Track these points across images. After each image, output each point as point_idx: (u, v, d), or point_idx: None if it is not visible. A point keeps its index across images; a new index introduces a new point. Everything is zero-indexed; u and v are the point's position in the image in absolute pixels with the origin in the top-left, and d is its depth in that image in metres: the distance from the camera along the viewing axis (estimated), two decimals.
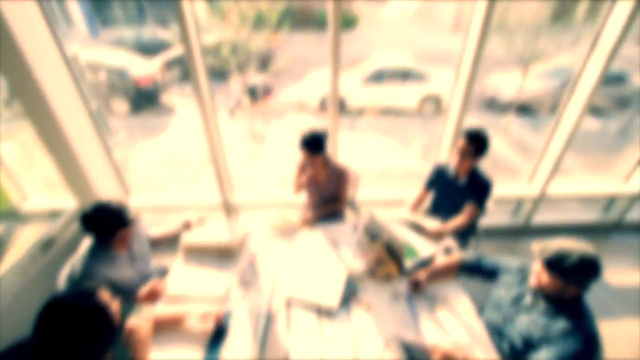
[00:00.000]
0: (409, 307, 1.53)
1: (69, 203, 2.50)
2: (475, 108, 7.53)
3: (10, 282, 1.92)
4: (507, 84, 7.23)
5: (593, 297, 1.69)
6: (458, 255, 1.70)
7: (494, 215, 3.22)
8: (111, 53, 7.64)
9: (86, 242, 1.62)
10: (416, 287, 1.58)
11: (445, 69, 7.18)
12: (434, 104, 7.14)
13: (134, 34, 10.51)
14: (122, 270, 1.59)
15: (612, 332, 2.26)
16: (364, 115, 7.10)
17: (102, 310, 0.91)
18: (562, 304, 1.25)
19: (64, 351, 0.83)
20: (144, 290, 1.56)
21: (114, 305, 0.97)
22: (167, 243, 1.99)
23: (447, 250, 1.85)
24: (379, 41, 13.29)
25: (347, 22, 15.53)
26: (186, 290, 1.61)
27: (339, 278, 1.66)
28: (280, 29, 6.75)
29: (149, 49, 8.92)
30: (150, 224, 1.97)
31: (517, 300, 1.39)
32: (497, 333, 1.42)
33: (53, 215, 2.61)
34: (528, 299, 1.35)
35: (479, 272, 1.62)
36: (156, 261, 1.98)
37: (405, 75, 7.03)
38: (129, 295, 1.57)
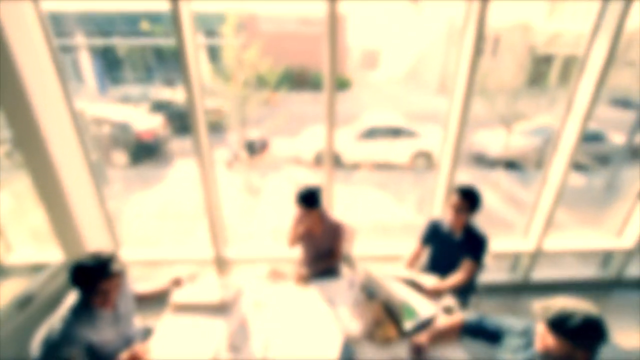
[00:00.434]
0: None
1: (55, 256, 2.42)
2: (465, 163, 7.81)
3: None
4: (493, 141, 7.61)
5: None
6: (460, 315, 1.64)
7: (492, 272, 3.16)
8: (116, 108, 8.01)
9: (69, 300, 1.53)
10: (419, 353, 1.49)
11: (433, 127, 7.60)
12: (426, 159, 7.40)
13: (139, 92, 11.12)
14: (104, 332, 1.48)
15: None
16: (359, 170, 7.29)
17: None
18: None
19: None
20: (124, 356, 1.44)
21: None
22: (154, 300, 1.89)
23: (448, 310, 1.77)
24: (370, 101, 14.19)
25: (342, 84, 16.70)
26: (170, 356, 1.49)
27: (335, 342, 1.56)
28: (280, 89, 7.22)
29: (154, 106, 9.39)
30: (138, 278, 1.89)
31: None
32: None
33: (37, 268, 2.50)
34: None
35: (482, 333, 1.54)
36: (140, 320, 1.86)
37: (396, 133, 7.39)
38: None
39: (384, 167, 7.37)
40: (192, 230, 4.89)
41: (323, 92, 2.33)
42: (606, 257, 3.27)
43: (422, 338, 1.52)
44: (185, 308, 1.77)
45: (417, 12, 19.44)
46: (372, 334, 1.60)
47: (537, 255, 2.99)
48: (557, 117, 2.66)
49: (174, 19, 2.06)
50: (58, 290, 2.29)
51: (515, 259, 3.16)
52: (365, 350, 1.55)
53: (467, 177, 7.10)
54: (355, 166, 7.35)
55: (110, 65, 14.55)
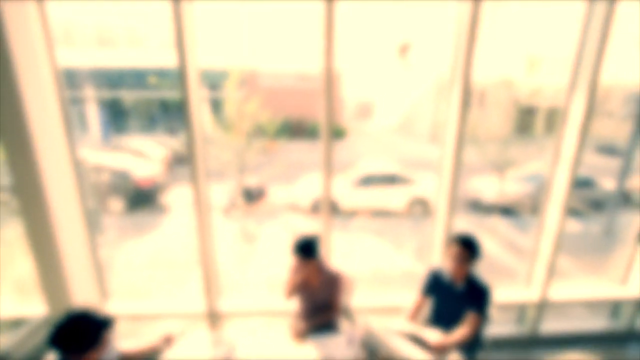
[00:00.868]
0: None
1: (38, 310, 2.29)
2: (462, 209, 7.83)
3: None
4: (487, 187, 7.74)
5: None
6: None
7: (498, 325, 3.01)
8: (117, 156, 8.16)
9: None
10: None
11: (428, 174, 7.76)
12: (422, 206, 7.43)
13: (142, 141, 11.43)
14: None
15: None
16: (356, 217, 7.27)
17: None
18: None
19: None
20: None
21: None
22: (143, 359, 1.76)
23: None
24: (366, 150, 14.62)
25: (338, 134, 17.33)
26: None
27: None
28: (278, 138, 7.47)
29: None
30: (125, 334, 1.78)
31: None
32: None
33: (17, 324, 2.35)
34: None
35: None
36: None
37: (392, 180, 7.51)
38: None
39: (381, 214, 7.37)
40: (185, 280, 4.70)
41: (320, 141, 2.42)
42: (615, 307, 3.15)
43: None
44: None
45: (405, 66, 20.94)
46: None
47: (543, 306, 2.88)
48: (547, 164, 2.75)
49: (181, 74, 2.20)
50: (37, 349, 2.13)
51: (520, 310, 3.03)
52: None
53: (464, 223, 7.07)
54: (352, 213, 7.34)
55: (115, 115, 15.12)
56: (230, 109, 6.63)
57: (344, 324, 2.29)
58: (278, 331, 2.03)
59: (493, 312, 2.10)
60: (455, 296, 2.01)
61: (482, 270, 2.06)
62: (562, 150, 2.64)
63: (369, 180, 7.51)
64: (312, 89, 16.82)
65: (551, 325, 3.02)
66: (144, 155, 9.12)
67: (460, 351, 1.84)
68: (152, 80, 12.29)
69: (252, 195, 7.71)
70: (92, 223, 2.52)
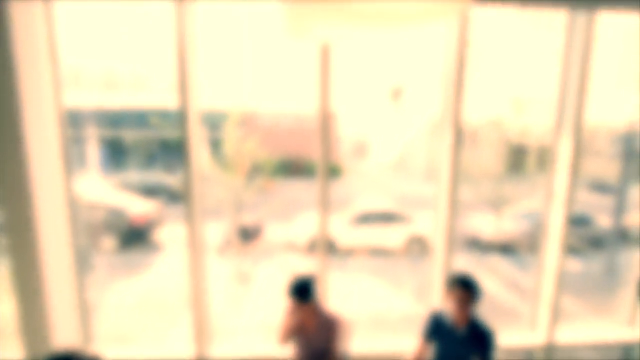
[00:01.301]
0: None
1: (15, 355, 2.14)
2: (460, 248, 7.73)
3: None
4: (485, 225, 7.71)
5: None
6: None
7: None
8: (112, 194, 8.13)
9: None
10: None
11: (425, 212, 7.75)
12: (420, 245, 7.34)
13: (139, 179, 11.49)
14: None
15: None
16: (354, 256, 7.13)
17: None
18: None
19: None
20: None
21: None
22: None
23: None
24: (362, 188, 14.73)
25: (334, 172, 17.54)
26: None
27: None
28: (276, 177, 7.54)
29: (152, 192, 9.59)
30: None
31: None
32: None
33: None
34: None
35: None
36: None
37: (389, 218, 7.48)
38: None
39: (378, 253, 7.24)
40: (175, 323, 4.47)
41: (316, 179, 2.45)
42: (627, 350, 3.01)
43: None
44: None
45: (398, 108, 21.83)
46: None
47: (550, 350, 2.74)
48: (541, 201, 2.78)
49: (182, 115, 2.28)
50: None
51: (527, 355, 2.88)
52: None
53: (463, 262, 6.94)
54: (350, 252, 7.21)
55: (115, 152, 15.31)
56: (229, 148, 6.77)
57: None
58: None
59: (498, 357, 2.00)
60: (459, 341, 1.92)
61: (484, 312, 1.99)
62: (555, 188, 2.69)
63: (366, 219, 7.48)
64: (310, 128, 17.37)
65: None
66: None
67: None
68: (154, 120, 12.65)
69: (248, 234, 7.59)
70: (82, 262, 2.46)
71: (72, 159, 2.41)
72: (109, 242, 7.10)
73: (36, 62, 2.13)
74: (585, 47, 2.47)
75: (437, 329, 2.05)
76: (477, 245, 7.65)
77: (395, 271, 6.46)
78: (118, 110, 15.47)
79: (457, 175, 2.52)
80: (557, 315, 2.71)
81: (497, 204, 7.44)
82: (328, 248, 2.53)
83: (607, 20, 2.53)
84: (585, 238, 7.42)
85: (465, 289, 1.90)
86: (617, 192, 6.59)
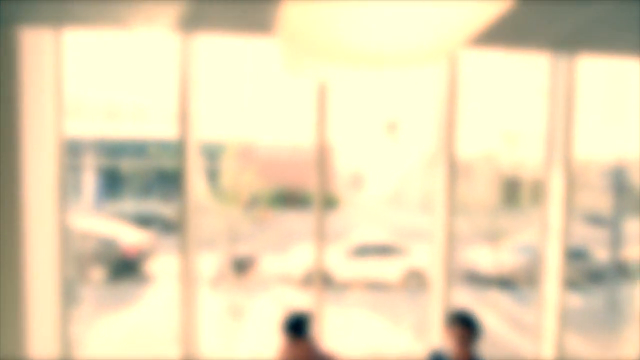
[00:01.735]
0: None
1: None
2: (458, 281, 7.58)
3: None
4: (482, 258, 7.62)
5: None
6: None
7: None
8: (105, 223, 8.00)
9: None
10: None
11: (422, 245, 7.69)
12: (418, 279, 7.20)
13: (134, 208, 11.36)
14: None
15: None
16: (351, 290, 6.95)
17: None
18: None
19: None
20: None
21: None
22: None
23: None
24: (359, 219, 14.66)
25: (331, 203, 17.52)
26: None
27: None
28: (272, 207, 7.51)
29: (145, 222, 9.45)
30: None
31: None
32: None
33: None
34: None
35: None
36: None
37: (386, 250, 7.39)
38: None
39: (376, 286, 7.07)
40: (163, 359, 4.24)
41: (313, 210, 2.46)
42: None
43: None
44: None
45: (393, 140, 22.33)
46: None
47: None
48: (537, 234, 2.79)
49: (181, 145, 2.33)
50: None
51: None
52: None
53: (462, 297, 6.78)
54: (346, 286, 7.03)
55: (111, 181, 15.26)
56: (226, 179, 6.81)
57: None
58: None
59: None
60: None
61: (485, 349, 1.93)
62: (550, 222, 2.71)
63: (363, 251, 7.38)
64: (306, 160, 17.56)
65: None
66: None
67: None
68: (152, 150, 12.78)
69: (242, 266, 7.42)
70: (69, 294, 2.37)
71: (67, 187, 2.41)
72: (98, 273, 6.89)
73: (41, 91, 2.20)
74: (568, 86, 2.60)
75: None
76: (475, 279, 7.51)
77: (393, 306, 6.28)
78: (117, 139, 15.66)
79: (453, 208, 2.54)
80: (561, 353, 2.62)
81: (493, 237, 7.42)
82: (324, 281, 2.48)
83: (593, 59, 2.69)
84: (583, 271, 7.34)
85: (465, 326, 1.85)
86: (611, 224, 6.62)
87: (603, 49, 2.54)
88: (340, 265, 7.18)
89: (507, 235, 7.49)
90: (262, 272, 7.66)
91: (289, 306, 1.97)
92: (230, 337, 5.02)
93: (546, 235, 2.72)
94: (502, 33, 2.32)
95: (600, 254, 7.49)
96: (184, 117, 2.32)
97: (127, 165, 15.45)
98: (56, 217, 2.29)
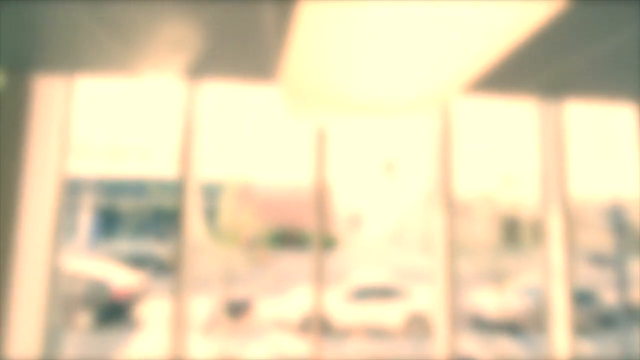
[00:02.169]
0: None
1: None
2: (463, 326, 7.23)
3: None
4: (487, 302, 7.34)
5: None
6: None
7: None
8: (97, 264, 7.77)
9: None
10: None
11: (424, 287, 7.44)
12: (420, 324, 6.87)
13: (128, 248, 11.12)
14: None
15: None
16: (351, 337, 6.58)
17: None
18: None
19: None
20: None
21: None
22: None
23: None
24: (358, 260, 14.34)
25: (329, 243, 17.25)
26: None
27: None
28: (270, 248, 7.37)
29: (139, 262, 9.20)
30: None
31: None
32: None
33: None
34: None
35: None
36: None
37: (387, 293, 7.13)
38: None
39: (377, 333, 6.71)
40: None
41: (311, 251, 2.42)
42: None
43: None
44: None
45: (391, 180, 22.54)
46: None
47: None
48: (540, 275, 2.73)
49: (180, 186, 2.35)
50: None
51: None
52: None
53: (466, 343, 6.42)
54: (346, 332, 6.67)
55: (107, 220, 15.08)
56: (224, 218, 6.77)
57: None
58: None
59: None
60: None
61: None
62: (552, 262, 2.66)
63: (362, 294, 7.11)
64: (305, 199, 17.59)
65: None
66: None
67: None
68: (152, 188, 12.82)
69: (237, 310, 7.09)
70: (52, 343, 2.24)
71: (63, 226, 2.39)
72: (85, 318, 6.54)
73: (48, 133, 2.27)
74: (557, 130, 2.71)
75: None
76: (481, 324, 7.17)
77: (396, 354, 5.91)
78: (117, 178, 15.77)
79: (453, 248, 2.51)
80: None
81: (496, 278, 7.22)
82: (322, 327, 2.37)
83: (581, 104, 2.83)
84: (592, 316, 7.04)
85: None
86: (615, 264, 6.50)
87: (589, 94, 2.68)
88: (340, 309, 6.87)
89: (510, 277, 7.30)
90: (258, 317, 7.30)
91: (285, 355, 1.87)
92: None
93: (550, 277, 2.66)
94: (491, 80, 2.47)
95: (608, 297, 7.24)
96: (185, 158, 2.37)
97: (125, 204, 15.42)
98: (47, 258, 2.23)
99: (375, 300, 7.01)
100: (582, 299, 7.11)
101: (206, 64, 2.20)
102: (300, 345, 6.12)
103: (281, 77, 1.38)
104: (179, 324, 2.24)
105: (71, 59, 2.14)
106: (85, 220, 14.05)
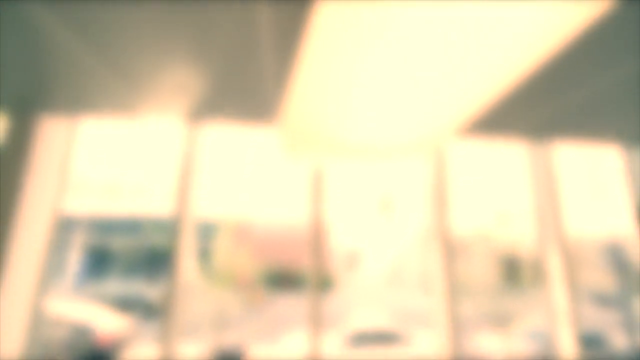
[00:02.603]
0: None
1: None
2: None
3: None
4: (492, 346, 7.00)
5: None
6: None
7: None
8: (83, 307, 7.39)
9: None
10: None
11: (424, 330, 7.11)
12: None
13: (117, 289, 10.67)
14: None
15: None
16: None
17: None
18: None
19: None
20: None
21: None
22: None
23: None
24: (356, 301, 13.81)
25: (326, 284, 16.72)
26: None
27: None
28: (264, 289, 7.12)
29: (128, 305, 8.78)
30: None
31: None
32: None
33: None
34: None
35: None
36: None
37: (387, 338, 6.78)
38: None
39: None
40: None
41: (307, 294, 2.35)
42: None
43: None
44: None
45: (388, 219, 22.42)
46: None
47: None
48: (543, 317, 2.64)
49: (176, 226, 2.32)
50: None
51: None
52: None
53: None
54: None
55: (97, 259, 14.60)
56: (219, 258, 6.61)
57: None
58: None
59: None
60: None
61: None
62: (555, 304, 2.60)
63: (361, 339, 6.75)
64: (300, 238, 17.34)
65: None
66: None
67: None
68: (146, 227, 12.60)
69: (228, 359, 6.65)
70: None
71: (51, 267, 2.32)
72: None
73: (47, 171, 2.28)
74: (548, 170, 2.79)
75: None
76: None
77: None
78: (111, 216, 15.53)
79: (453, 290, 2.46)
80: None
81: (499, 320, 6.95)
82: None
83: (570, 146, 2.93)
84: None
85: None
86: (619, 305, 6.32)
87: (576, 136, 2.80)
88: (337, 356, 6.49)
89: (513, 319, 7.03)
90: None
91: None
92: None
93: (555, 319, 2.57)
94: (483, 123, 2.59)
95: (617, 339, 6.94)
96: (182, 197, 2.38)
97: (117, 242, 15.04)
98: (30, 302, 2.14)
99: (375, 346, 6.65)
100: (590, 342, 6.81)
101: (207, 106, 2.29)
102: None
103: (280, 120, 1.44)
104: None
105: (75, 100, 2.23)
106: (75, 259, 13.62)
